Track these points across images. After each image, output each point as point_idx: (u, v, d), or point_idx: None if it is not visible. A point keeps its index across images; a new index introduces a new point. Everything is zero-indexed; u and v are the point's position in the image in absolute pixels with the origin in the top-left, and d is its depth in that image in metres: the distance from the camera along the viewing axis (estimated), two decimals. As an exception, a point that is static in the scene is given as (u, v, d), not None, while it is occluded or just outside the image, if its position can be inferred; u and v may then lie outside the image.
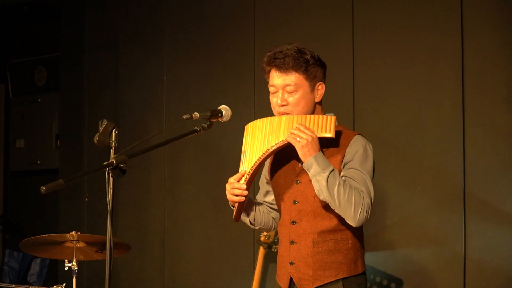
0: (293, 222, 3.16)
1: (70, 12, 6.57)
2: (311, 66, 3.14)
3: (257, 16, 5.52)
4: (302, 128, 3.05)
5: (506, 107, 4.55)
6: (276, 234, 5.00)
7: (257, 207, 3.32)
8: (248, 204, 3.26)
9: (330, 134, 3.06)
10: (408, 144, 4.85)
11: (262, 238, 4.97)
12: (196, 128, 3.08)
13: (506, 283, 4.50)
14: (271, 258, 5.22)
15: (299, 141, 3.04)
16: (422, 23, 4.84)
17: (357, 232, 3.15)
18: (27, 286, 5.52)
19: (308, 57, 3.15)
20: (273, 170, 3.27)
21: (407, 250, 4.80)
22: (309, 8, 5.30)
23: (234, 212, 3.22)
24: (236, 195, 3.13)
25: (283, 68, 3.14)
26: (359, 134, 3.17)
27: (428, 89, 4.80)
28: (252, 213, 3.30)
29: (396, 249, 4.84)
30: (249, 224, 3.34)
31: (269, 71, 3.19)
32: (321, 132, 3.07)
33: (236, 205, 3.18)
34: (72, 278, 4.09)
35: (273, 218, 3.36)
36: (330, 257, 3.10)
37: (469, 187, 4.62)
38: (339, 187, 3.00)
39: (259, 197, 3.38)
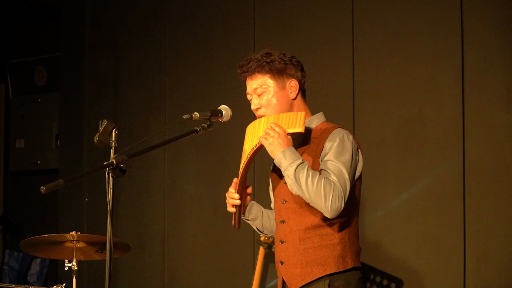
0: (282, 222, 3.17)
1: (70, 12, 6.58)
2: (276, 65, 3.16)
3: (257, 17, 5.52)
4: (273, 125, 3.07)
5: (506, 107, 4.55)
6: (276, 234, 5.01)
7: (265, 214, 3.33)
8: (250, 209, 3.28)
9: (300, 129, 3.06)
10: (408, 144, 4.84)
11: (262, 238, 4.98)
12: (196, 128, 3.08)
13: (506, 283, 4.50)
14: (271, 258, 5.22)
15: (266, 138, 3.05)
16: (422, 23, 4.83)
17: (345, 227, 3.10)
18: (27, 286, 5.52)
19: (273, 57, 3.17)
20: (272, 175, 3.29)
21: (407, 250, 4.80)
22: (309, 9, 5.30)
23: (232, 219, 3.24)
24: (231, 204, 3.18)
25: (249, 73, 3.19)
26: (340, 127, 3.15)
27: (428, 89, 4.79)
28: (259, 220, 3.31)
29: (396, 249, 4.84)
30: (258, 231, 3.37)
31: (244, 81, 3.25)
32: (291, 127, 3.07)
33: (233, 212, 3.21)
34: (72, 278, 4.09)
35: None
36: (317, 253, 3.08)
37: (469, 187, 4.61)
38: (307, 179, 2.98)
39: (272, 206, 3.40)
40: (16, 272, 6.91)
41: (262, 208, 3.34)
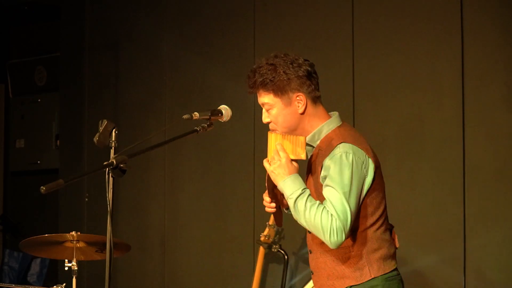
0: (309, 231, 3.16)
1: (70, 12, 6.57)
2: (279, 82, 3.05)
3: (257, 16, 5.52)
4: (278, 148, 3.03)
5: (506, 107, 4.55)
6: (276, 234, 5.00)
7: None
8: None
9: (301, 156, 3.02)
10: (408, 144, 4.84)
11: (262, 238, 4.97)
12: (196, 128, 3.08)
13: (506, 283, 4.50)
14: (271, 258, 5.21)
15: (270, 164, 3.04)
16: (422, 23, 4.84)
17: (362, 238, 3.07)
18: (27, 286, 5.52)
19: (276, 72, 3.04)
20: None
21: (407, 250, 4.80)
22: (309, 7, 5.30)
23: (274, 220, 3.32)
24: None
25: (254, 88, 3.10)
26: (343, 142, 3.02)
27: (428, 89, 4.79)
28: None
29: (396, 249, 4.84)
30: None
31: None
32: (294, 154, 3.03)
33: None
34: (72, 278, 4.09)
35: None
36: (335, 267, 3.07)
37: (469, 187, 4.61)
38: (305, 212, 2.95)
39: None
40: (16, 272, 6.91)
41: None
